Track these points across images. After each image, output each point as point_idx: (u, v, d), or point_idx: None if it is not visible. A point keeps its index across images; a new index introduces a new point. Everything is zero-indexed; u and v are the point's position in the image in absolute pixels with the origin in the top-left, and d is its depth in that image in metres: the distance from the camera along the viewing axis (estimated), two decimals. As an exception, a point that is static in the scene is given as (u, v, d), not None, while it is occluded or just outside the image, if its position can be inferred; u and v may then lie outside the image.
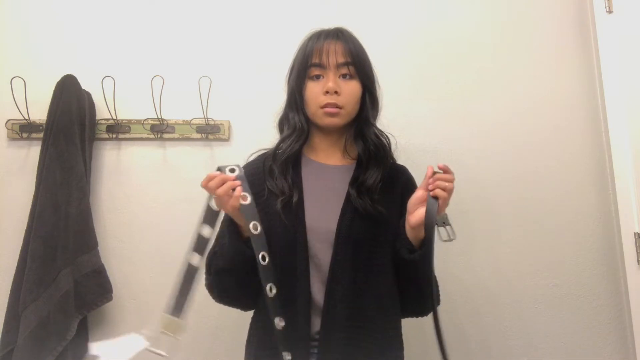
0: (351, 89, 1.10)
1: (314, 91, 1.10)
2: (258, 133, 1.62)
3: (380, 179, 1.10)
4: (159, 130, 1.63)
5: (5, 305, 1.46)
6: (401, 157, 1.59)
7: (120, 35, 1.69)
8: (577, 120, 1.65)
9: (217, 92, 1.61)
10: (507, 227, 1.60)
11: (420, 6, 1.72)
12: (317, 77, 1.11)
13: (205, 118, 1.62)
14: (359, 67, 1.11)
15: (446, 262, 1.56)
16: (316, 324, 1.04)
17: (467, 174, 1.62)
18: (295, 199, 1.07)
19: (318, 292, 1.05)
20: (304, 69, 1.12)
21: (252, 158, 1.21)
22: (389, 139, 1.18)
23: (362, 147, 1.13)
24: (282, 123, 1.19)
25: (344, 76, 1.10)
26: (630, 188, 1.53)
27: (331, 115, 1.09)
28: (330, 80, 1.08)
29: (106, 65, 1.65)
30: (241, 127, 1.65)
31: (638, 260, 1.50)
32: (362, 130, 1.13)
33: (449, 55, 1.69)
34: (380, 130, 1.17)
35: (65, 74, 1.57)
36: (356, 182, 1.10)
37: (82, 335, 1.50)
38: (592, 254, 1.58)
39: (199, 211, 1.58)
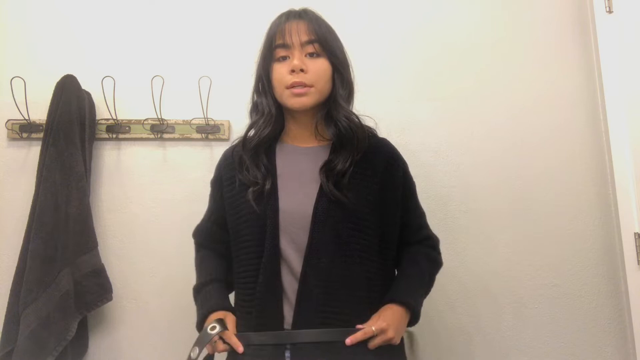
0: (318, 67, 1.06)
1: (280, 72, 1.07)
2: (258, 133, 1.63)
3: (350, 164, 1.05)
4: (159, 130, 1.63)
5: (5, 305, 1.46)
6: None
7: (120, 35, 1.70)
8: (577, 120, 1.65)
9: (217, 92, 1.61)
10: (507, 227, 1.60)
11: (420, 7, 1.71)
12: (284, 58, 1.07)
13: (205, 118, 1.62)
14: (325, 44, 1.07)
15: (446, 262, 1.56)
16: (289, 315, 1.00)
17: (467, 173, 1.62)
18: (267, 186, 1.05)
19: (293, 279, 1.02)
20: (269, 51, 1.09)
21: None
22: (359, 120, 1.11)
23: (332, 130, 1.08)
24: (252, 111, 1.16)
25: (310, 55, 1.07)
26: (630, 188, 1.53)
27: (299, 95, 1.05)
28: (296, 58, 1.05)
29: (106, 65, 1.65)
30: (241, 127, 1.62)
31: (638, 260, 1.50)
32: (331, 112, 1.08)
33: (449, 55, 1.69)
34: (351, 112, 1.11)
35: (65, 74, 1.57)
36: (326, 166, 1.06)
37: (82, 335, 1.50)
38: (592, 254, 1.58)
39: (199, 211, 1.59)
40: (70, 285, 1.44)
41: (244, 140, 1.12)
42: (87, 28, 1.70)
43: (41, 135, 1.56)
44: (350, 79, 1.14)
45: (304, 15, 1.10)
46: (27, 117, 1.57)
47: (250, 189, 1.05)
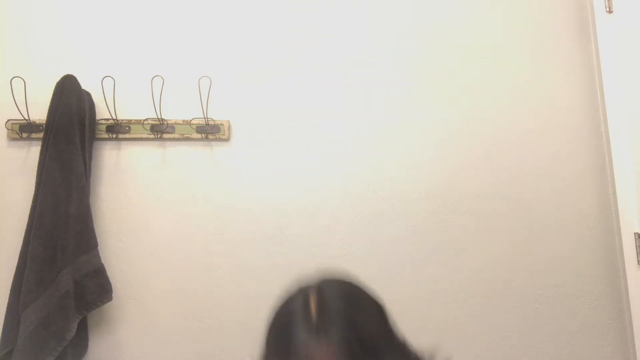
0: None
1: None
2: (258, 133, 1.63)
3: None
4: (159, 130, 1.63)
5: (5, 305, 1.46)
6: (401, 158, 1.61)
7: (120, 35, 1.70)
8: (577, 121, 1.65)
9: (217, 92, 1.61)
10: (507, 227, 1.60)
11: (420, 7, 1.71)
12: None
13: (205, 118, 1.62)
14: None
15: (446, 262, 1.56)
16: None
17: (467, 174, 1.62)
18: None
19: None
20: None
21: None
22: None
23: None
24: None
25: None
26: (630, 188, 1.53)
27: None
28: None
29: (106, 65, 1.65)
30: (241, 127, 1.65)
31: (638, 260, 1.50)
32: None
33: (449, 55, 1.69)
34: None
35: (65, 74, 1.57)
36: None
37: (82, 335, 1.50)
38: (592, 254, 1.59)
39: (198, 210, 1.59)
40: (70, 285, 1.44)
41: None
42: (87, 28, 1.70)
43: (41, 135, 1.56)
44: None
45: (330, 329, 0.70)
46: (27, 117, 1.57)
47: None
